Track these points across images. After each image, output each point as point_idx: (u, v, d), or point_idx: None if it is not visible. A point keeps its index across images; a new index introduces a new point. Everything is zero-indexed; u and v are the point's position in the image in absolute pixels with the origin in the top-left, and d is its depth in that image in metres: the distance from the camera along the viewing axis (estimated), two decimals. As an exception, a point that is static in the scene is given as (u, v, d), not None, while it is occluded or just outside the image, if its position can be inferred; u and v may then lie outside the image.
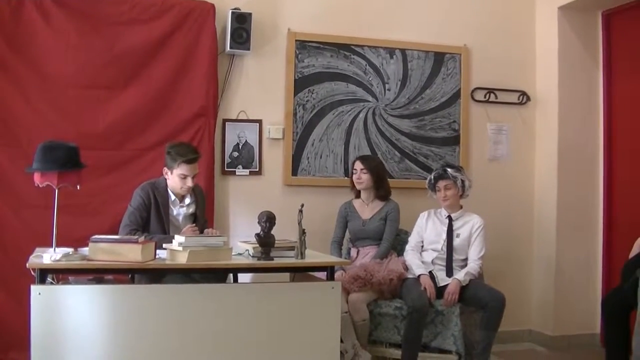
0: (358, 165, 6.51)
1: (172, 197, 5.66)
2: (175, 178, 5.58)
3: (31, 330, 4.38)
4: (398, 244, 6.54)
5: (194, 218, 5.78)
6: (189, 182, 5.60)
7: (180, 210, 5.71)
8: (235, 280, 5.69)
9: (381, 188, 6.52)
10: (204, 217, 5.92)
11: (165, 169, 5.62)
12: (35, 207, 5.89)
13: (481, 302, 5.87)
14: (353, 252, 6.50)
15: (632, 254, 5.49)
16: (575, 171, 7.37)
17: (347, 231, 6.59)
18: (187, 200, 5.74)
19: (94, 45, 6.25)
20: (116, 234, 5.42)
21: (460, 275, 5.99)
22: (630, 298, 5.14)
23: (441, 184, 6.21)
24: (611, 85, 7.37)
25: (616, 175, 7.31)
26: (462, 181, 6.20)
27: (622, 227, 7.14)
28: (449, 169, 6.23)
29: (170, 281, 4.99)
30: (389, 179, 6.73)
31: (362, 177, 6.47)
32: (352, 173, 6.59)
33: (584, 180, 7.41)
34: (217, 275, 5.32)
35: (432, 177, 6.31)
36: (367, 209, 6.53)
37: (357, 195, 6.63)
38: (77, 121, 6.18)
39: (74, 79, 6.20)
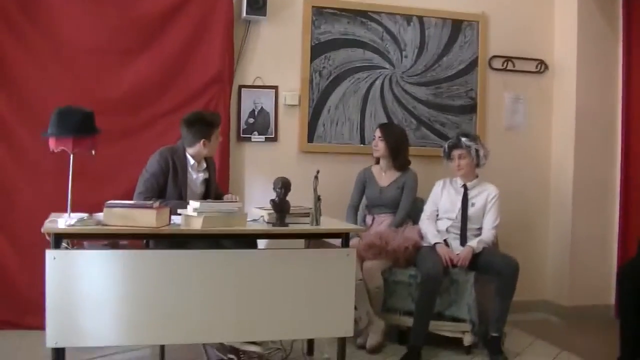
0: (377, 133, 6.48)
1: (192, 161, 5.63)
2: (214, 143, 5.64)
3: (46, 295, 4.40)
4: (414, 213, 6.50)
5: (207, 183, 5.78)
6: (220, 138, 5.77)
7: (199, 175, 5.69)
8: (250, 246, 5.70)
9: (398, 158, 6.47)
10: (216, 182, 5.94)
11: (204, 140, 5.53)
12: (49, 173, 5.90)
13: (495, 268, 5.86)
14: (368, 219, 6.49)
15: None
16: (592, 141, 7.32)
17: (365, 197, 6.57)
18: (204, 165, 5.73)
19: (110, 10, 6.23)
20: (129, 199, 5.42)
21: (473, 242, 5.99)
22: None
23: (455, 153, 6.17)
24: (630, 54, 7.29)
25: (634, 145, 7.25)
26: (477, 150, 6.15)
27: (639, 198, 7.09)
28: (463, 138, 6.18)
29: (194, 247, 4.95)
30: (405, 147, 6.71)
31: (379, 144, 6.45)
32: (373, 139, 6.58)
33: (601, 150, 7.36)
34: (248, 241, 5.32)
35: (447, 146, 6.28)
36: (384, 176, 6.51)
37: (377, 161, 6.60)
38: (92, 87, 6.18)
39: (88, 44, 6.20)
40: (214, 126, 5.59)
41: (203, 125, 5.56)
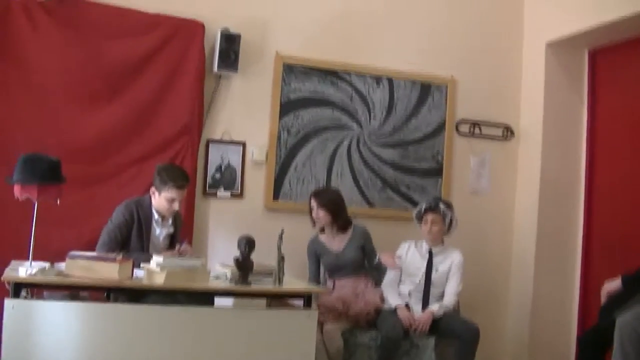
0: (313, 203, 6.37)
1: (156, 216, 5.59)
2: (162, 201, 5.52)
3: (3, 344, 4.35)
4: (377, 273, 6.44)
5: (171, 239, 5.73)
6: (176, 206, 5.55)
7: (162, 230, 5.65)
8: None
9: (338, 221, 6.37)
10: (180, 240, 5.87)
11: (153, 188, 5.55)
12: (12, 218, 5.80)
13: (455, 333, 5.86)
14: (329, 283, 6.39)
15: (603, 299, 5.47)
16: (555, 207, 7.36)
17: (322, 265, 6.47)
18: (169, 221, 5.69)
19: (81, 56, 6.21)
20: (93, 247, 5.38)
21: (434, 307, 5.99)
22: (607, 337, 5.13)
23: (429, 216, 6.15)
24: (595, 122, 7.39)
25: (596, 211, 7.32)
26: (451, 219, 6.18)
27: (600, 265, 7.14)
28: (441, 204, 6.19)
29: (151, 301, 4.89)
30: (367, 207, 6.83)
31: (319, 214, 6.32)
32: (310, 210, 6.44)
33: (564, 217, 7.40)
34: (203, 297, 5.24)
35: (423, 207, 6.23)
36: (335, 241, 6.40)
37: (322, 230, 6.47)
38: (60, 133, 6.13)
39: (59, 89, 6.16)
40: (164, 183, 5.48)
41: (158, 176, 5.51)
